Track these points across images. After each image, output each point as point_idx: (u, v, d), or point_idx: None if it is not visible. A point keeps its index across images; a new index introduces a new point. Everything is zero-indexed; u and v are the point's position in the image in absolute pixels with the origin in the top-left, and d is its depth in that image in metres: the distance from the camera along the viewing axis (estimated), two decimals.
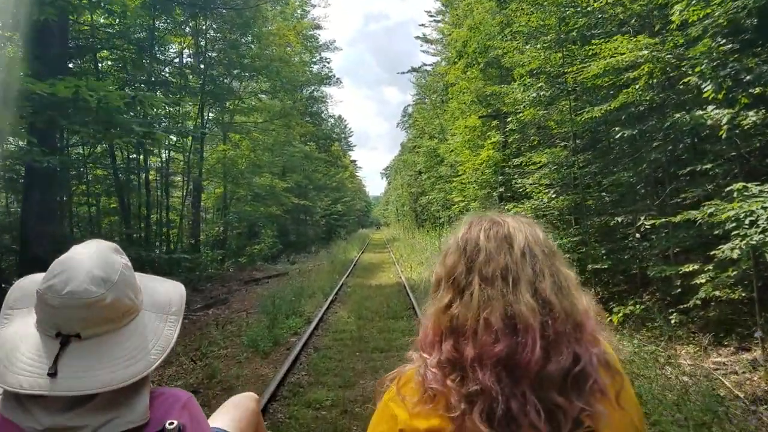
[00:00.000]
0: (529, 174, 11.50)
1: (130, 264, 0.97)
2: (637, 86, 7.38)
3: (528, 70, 10.17)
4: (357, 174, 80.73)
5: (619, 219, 8.49)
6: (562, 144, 10.86)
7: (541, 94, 9.84)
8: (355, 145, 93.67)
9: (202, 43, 15.33)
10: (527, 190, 11.28)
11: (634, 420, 0.88)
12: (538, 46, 9.88)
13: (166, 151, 14.96)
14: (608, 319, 8.26)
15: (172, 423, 0.89)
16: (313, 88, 33.71)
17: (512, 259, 0.88)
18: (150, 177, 15.18)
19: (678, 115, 6.46)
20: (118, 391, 0.85)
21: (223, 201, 18.25)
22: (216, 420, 1.24)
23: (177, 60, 15.57)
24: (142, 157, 13.78)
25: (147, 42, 13.29)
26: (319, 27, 34.06)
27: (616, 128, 8.61)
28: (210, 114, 16.91)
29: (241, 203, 18.60)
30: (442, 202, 25.76)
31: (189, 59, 15.86)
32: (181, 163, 16.42)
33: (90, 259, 0.90)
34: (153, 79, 13.29)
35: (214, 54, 15.77)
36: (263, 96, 20.20)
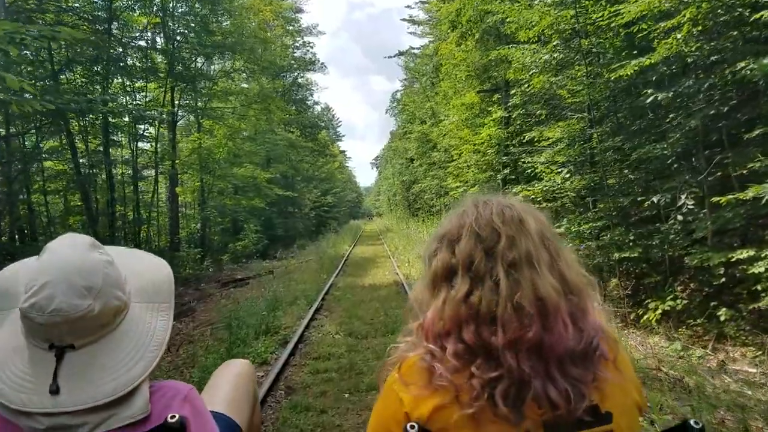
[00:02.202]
0: (538, 152, 10.20)
1: (110, 257, 0.92)
2: (678, 36, 6.04)
3: (538, 31, 8.77)
4: (347, 164, 79.55)
5: (656, 199, 7.17)
6: (575, 116, 9.54)
7: (555, 56, 8.46)
8: (343, 135, 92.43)
9: (169, 23, 13.73)
10: (537, 170, 9.97)
11: (633, 379, 0.93)
12: (549, 0, 8.50)
13: (134, 142, 13.46)
14: (643, 316, 7.05)
15: (174, 416, 0.88)
16: (296, 74, 32.20)
17: (532, 242, 0.88)
18: (119, 171, 13.76)
19: (744, 64, 5.11)
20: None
21: (200, 195, 16.74)
22: (212, 399, 1.25)
23: (142, 41, 13.99)
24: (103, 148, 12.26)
25: (104, 18, 11.75)
26: (300, 11, 32.57)
27: (648, 91, 7.28)
28: (182, 100, 15.31)
29: (220, 196, 17.03)
30: (436, 190, 24.66)
31: (157, 39, 14.26)
32: (153, 155, 14.96)
33: (69, 264, 0.85)
34: (111, 61, 11.73)
35: (183, 31, 14.18)
36: (240, 77, 18.60)
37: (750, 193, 4.89)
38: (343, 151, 70.40)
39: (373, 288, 10.98)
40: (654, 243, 7.73)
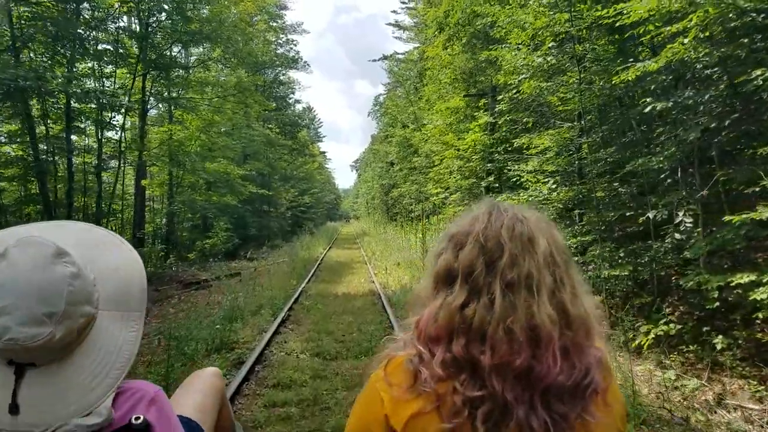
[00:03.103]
0: (524, 160, 9.76)
1: (77, 267, 0.84)
2: (685, 41, 5.63)
3: (531, 33, 8.32)
4: (327, 166, 78.86)
5: (651, 215, 6.75)
6: (564, 125, 9.13)
7: (548, 60, 8.02)
8: (324, 136, 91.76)
9: (142, 5, 12.91)
10: (523, 179, 9.53)
11: (619, 412, 0.89)
12: (545, 1, 8.06)
13: (99, 130, 12.60)
14: (633, 340, 6.63)
15: (138, 417, 0.86)
16: (278, 70, 31.48)
17: (535, 265, 0.84)
18: (82, 160, 12.89)
19: (760, 72, 4.70)
20: None
21: (168, 188, 15.87)
22: (179, 404, 1.24)
23: (113, 24, 13.12)
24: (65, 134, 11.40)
25: None
26: (284, 7, 31.92)
27: (647, 99, 6.88)
28: (153, 88, 14.46)
29: (190, 191, 16.13)
30: (416, 195, 24.25)
31: (131, 22, 13.39)
32: (120, 144, 14.11)
33: (28, 285, 0.77)
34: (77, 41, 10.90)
35: (157, 15, 13.37)
36: (217, 68, 17.79)
37: (766, 213, 4.47)
38: (324, 152, 69.73)
39: (347, 298, 10.11)
40: (644, 261, 7.37)
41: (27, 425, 0.78)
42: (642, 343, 6.39)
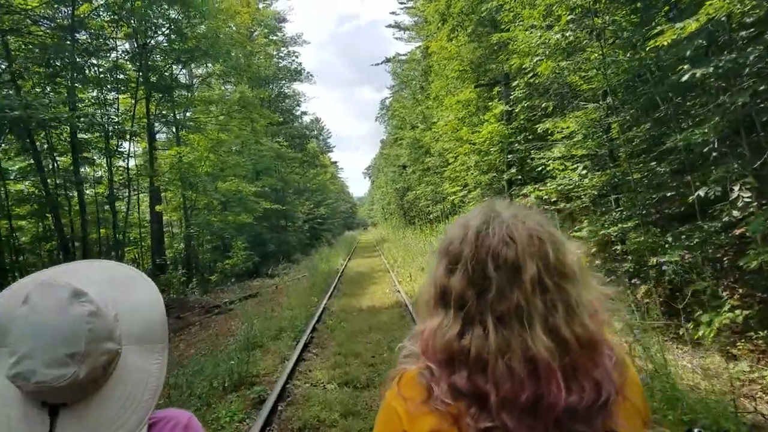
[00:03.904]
0: (548, 147, 9.14)
1: (95, 306, 0.86)
2: None
3: (543, 8, 7.73)
4: (339, 175, 78.69)
5: (702, 193, 6.10)
6: (588, 105, 8.50)
7: (566, 35, 7.41)
8: (334, 146, 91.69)
9: (138, 26, 12.60)
10: (549, 167, 8.90)
11: (638, 406, 0.88)
12: None
13: (108, 159, 12.31)
14: (696, 330, 5.97)
15: None
16: (282, 83, 31.25)
17: (523, 294, 0.82)
18: (95, 190, 12.64)
19: None
20: None
21: (183, 212, 15.54)
22: None
23: (113, 50, 12.83)
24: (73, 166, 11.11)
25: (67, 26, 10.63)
26: (284, 20, 31.72)
27: (684, 67, 6.25)
28: (158, 111, 14.14)
29: (205, 213, 15.76)
30: (432, 196, 23.70)
31: (127, 46, 13.10)
32: (130, 171, 13.83)
33: (49, 328, 0.81)
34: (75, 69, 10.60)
35: (154, 36, 13.05)
36: (219, 84, 17.46)
37: None
38: (335, 162, 69.54)
39: (372, 312, 9.42)
40: (692, 243, 6.74)
41: None
42: (705, 334, 5.75)
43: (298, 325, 8.11)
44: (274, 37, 29.99)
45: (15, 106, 6.60)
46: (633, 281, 7.80)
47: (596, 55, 7.68)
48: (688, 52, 6.53)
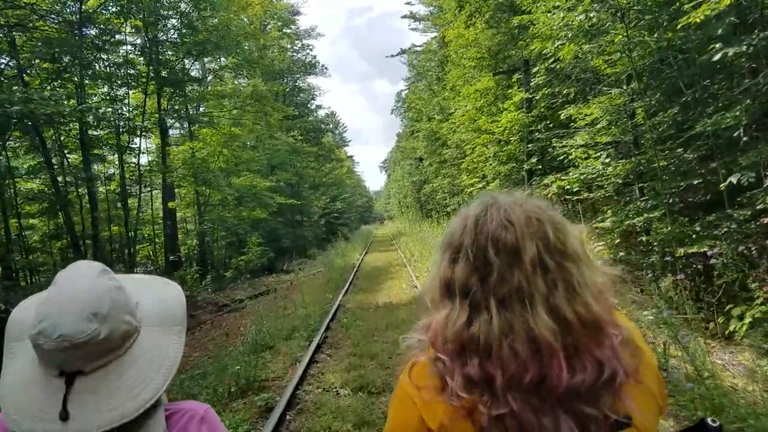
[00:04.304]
0: (570, 135, 8.79)
1: (120, 284, 0.92)
2: None
3: None
4: (355, 169, 78.58)
5: (734, 179, 5.72)
6: (611, 90, 8.12)
7: (590, 16, 7.04)
8: (350, 140, 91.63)
9: (149, 19, 12.47)
10: (572, 156, 8.56)
11: (653, 391, 0.88)
12: None
13: (119, 155, 12.25)
14: (726, 328, 5.63)
15: None
16: (297, 77, 31.10)
17: (524, 275, 0.83)
18: (109, 187, 12.62)
19: None
20: (131, 420, 0.84)
21: (196, 208, 15.46)
22: None
23: (122, 45, 12.73)
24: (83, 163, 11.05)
25: (75, 21, 10.55)
26: (297, 12, 31.51)
27: (716, 46, 5.88)
28: (170, 106, 14.03)
29: (219, 208, 15.65)
30: (449, 189, 23.37)
31: (138, 41, 12.98)
32: (143, 168, 13.78)
33: (75, 291, 0.86)
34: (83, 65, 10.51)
35: (165, 28, 12.91)
36: (231, 78, 17.29)
37: None
38: (351, 156, 69.38)
39: (388, 309, 9.00)
40: (720, 233, 6.39)
41: (77, 430, 0.81)
42: (736, 329, 5.42)
43: (312, 324, 7.80)
44: (288, 30, 29.81)
45: (14, 100, 6.45)
46: (658, 273, 7.49)
47: (621, 36, 7.31)
48: (719, 30, 6.17)
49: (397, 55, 37.18)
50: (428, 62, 31.39)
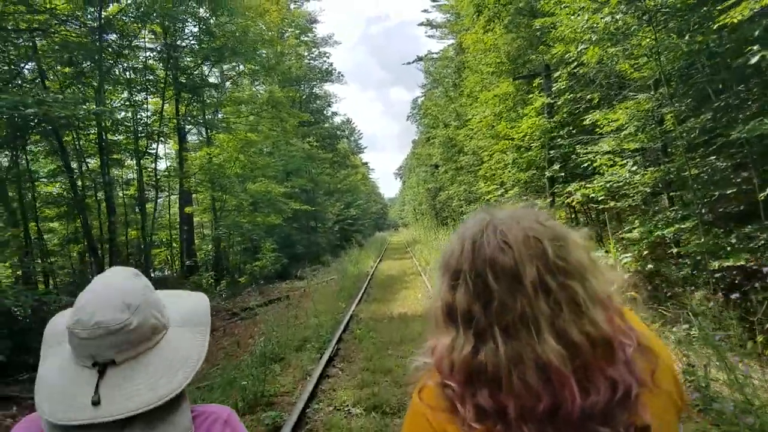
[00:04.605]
0: (595, 141, 8.48)
1: (151, 285, 1.00)
2: None
3: None
4: (370, 176, 78.54)
5: None
6: (637, 96, 7.81)
7: (617, 18, 6.76)
8: (365, 147, 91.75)
9: (166, 23, 12.46)
10: (596, 163, 8.25)
11: (671, 394, 0.86)
12: None
13: (137, 160, 12.22)
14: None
15: None
16: (313, 84, 31.14)
17: (526, 299, 0.80)
18: (127, 192, 12.61)
19: None
20: (158, 409, 0.89)
21: (212, 213, 15.38)
22: None
23: (141, 51, 12.74)
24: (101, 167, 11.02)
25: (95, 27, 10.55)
26: (315, 21, 31.58)
27: (754, 48, 5.58)
28: (187, 111, 14.00)
29: (233, 214, 15.55)
30: (465, 196, 23.09)
31: (157, 47, 12.98)
32: (162, 174, 13.75)
33: (111, 287, 0.94)
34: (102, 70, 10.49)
35: (182, 33, 12.89)
36: (246, 84, 17.25)
37: None
38: (366, 163, 69.37)
39: (403, 320, 8.64)
40: (757, 246, 6.08)
41: (107, 413, 0.86)
42: None
43: (324, 335, 7.52)
44: (305, 38, 29.87)
45: (29, 102, 6.38)
46: (689, 287, 7.17)
47: (648, 39, 7.02)
48: (756, 32, 5.87)
49: (413, 62, 37.04)
50: (445, 69, 31.21)
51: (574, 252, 0.84)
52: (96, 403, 0.86)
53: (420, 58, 36.93)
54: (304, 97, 29.39)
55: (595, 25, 6.96)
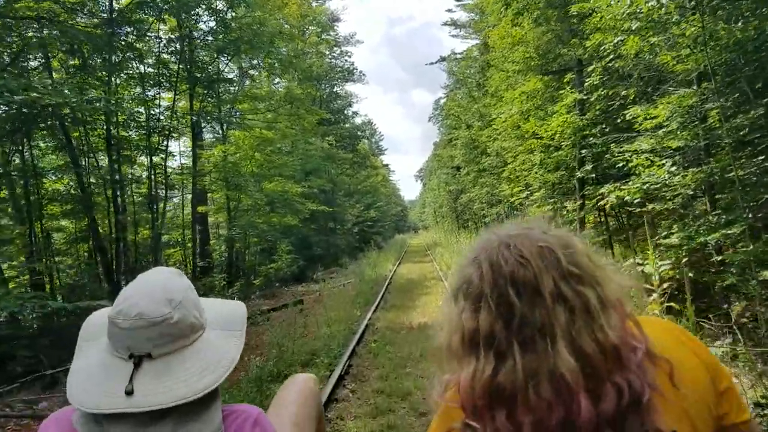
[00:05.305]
0: (630, 140, 7.87)
1: (192, 286, 1.04)
2: None
3: None
4: (391, 178, 78.20)
5: None
6: (678, 90, 7.19)
7: (663, 2, 6.16)
8: (386, 149, 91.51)
9: (184, 16, 12.17)
10: (633, 163, 7.64)
11: (698, 388, 0.85)
12: None
13: (147, 157, 11.96)
14: None
15: None
16: (334, 83, 30.88)
17: (546, 312, 0.80)
18: (136, 190, 12.38)
19: None
20: (191, 405, 0.91)
21: (227, 213, 15.09)
22: (278, 416, 1.30)
23: (155, 45, 12.48)
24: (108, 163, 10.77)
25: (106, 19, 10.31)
26: (337, 19, 31.32)
27: None
28: (202, 107, 13.70)
29: (249, 214, 15.21)
30: (487, 199, 22.56)
31: (172, 40, 12.69)
32: (176, 172, 13.50)
33: (155, 283, 0.97)
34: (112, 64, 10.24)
35: (201, 28, 12.62)
36: (263, 78, 16.93)
37: None
38: (386, 165, 69.00)
39: (422, 331, 7.89)
40: None
41: (140, 404, 0.86)
42: None
43: (335, 349, 6.85)
44: (327, 36, 29.63)
45: (14, 87, 6.02)
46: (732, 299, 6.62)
47: (694, 28, 6.41)
48: None
49: (436, 62, 36.44)
50: (468, 68, 30.67)
51: (583, 258, 0.84)
52: (129, 393, 0.87)
53: (443, 59, 36.41)
54: (324, 96, 29.13)
55: (638, 10, 6.35)
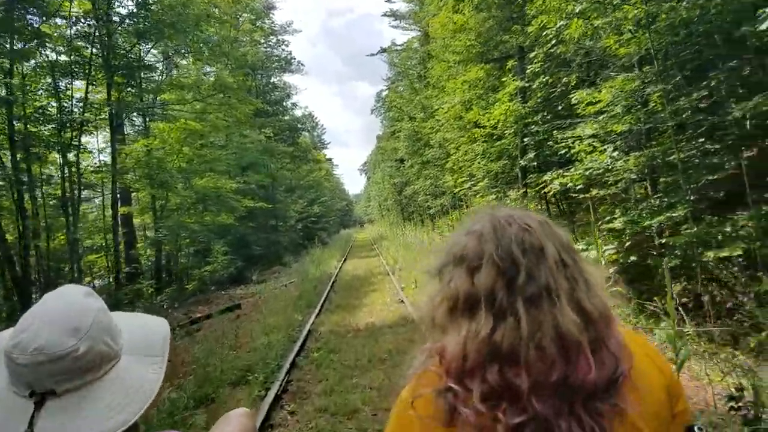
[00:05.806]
0: (575, 125, 7.71)
1: (105, 307, 0.91)
2: None
3: None
4: (334, 172, 77.38)
5: None
6: (620, 75, 7.06)
7: None
8: (329, 142, 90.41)
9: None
10: (575, 150, 7.48)
11: (654, 406, 0.84)
12: None
13: (62, 155, 10.73)
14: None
15: None
16: (271, 73, 29.76)
17: (550, 273, 0.83)
18: (49, 192, 11.12)
19: None
20: None
21: (152, 214, 13.95)
22: None
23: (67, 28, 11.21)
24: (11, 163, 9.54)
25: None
26: (272, 7, 30.19)
27: (766, 11, 4.85)
28: (122, 97, 12.48)
29: (177, 213, 14.11)
30: (431, 190, 22.45)
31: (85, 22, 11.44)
32: (96, 170, 12.29)
33: (58, 309, 0.84)
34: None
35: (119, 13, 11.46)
36: (194, 67, 15.82)
37: None
38: (330, 159, 68.14)
39: (371, 333, 7.40)
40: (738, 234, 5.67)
41: None
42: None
43: (272, 362, 6.09)
44: (262, 24, 28.45)
45: None
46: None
47: (637, 10, 6.26)
48: None
49: (377, 53, 36.06)
50: (409, 60, 30.49)
51: (570, 241, 0.88)
52: None
53: (384, 50, 36.05)
54: (261, 86, 27.99)
55: None
